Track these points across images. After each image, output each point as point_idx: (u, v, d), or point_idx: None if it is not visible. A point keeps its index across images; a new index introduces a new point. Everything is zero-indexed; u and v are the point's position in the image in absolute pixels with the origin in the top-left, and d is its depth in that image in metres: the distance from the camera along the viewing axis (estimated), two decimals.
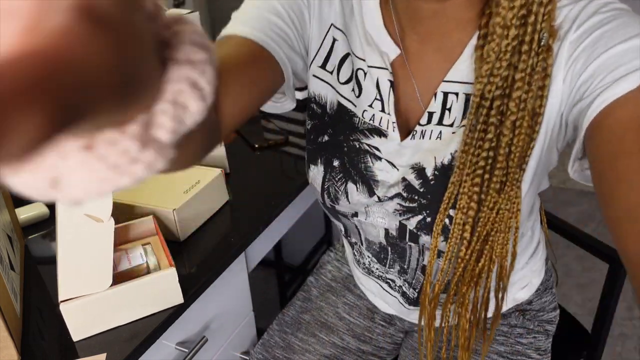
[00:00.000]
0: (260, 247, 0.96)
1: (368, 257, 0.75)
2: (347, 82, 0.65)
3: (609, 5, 0.49)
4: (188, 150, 0.34)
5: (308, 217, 1.16)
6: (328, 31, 0.64)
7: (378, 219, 0.67)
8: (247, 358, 0.88)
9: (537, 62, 0.51)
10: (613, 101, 0.43)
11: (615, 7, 0.49)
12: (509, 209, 0.57)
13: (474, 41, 0.56)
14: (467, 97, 0.58)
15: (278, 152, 1.09)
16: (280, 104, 0.66)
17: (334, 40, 0.64)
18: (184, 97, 0.20)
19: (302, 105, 1.22)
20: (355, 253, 0.78)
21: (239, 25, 0.57)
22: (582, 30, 0.49)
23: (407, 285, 0.74)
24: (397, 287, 0.75)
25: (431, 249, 0.63)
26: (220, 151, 0.97)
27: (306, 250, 1.81)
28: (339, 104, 0.66)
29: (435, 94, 0.59)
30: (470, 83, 0.57)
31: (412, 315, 0.78)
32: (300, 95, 1.25)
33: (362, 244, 0.75)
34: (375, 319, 0.85)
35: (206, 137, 0.38)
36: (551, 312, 0.82)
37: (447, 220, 0.60)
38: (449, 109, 0.59)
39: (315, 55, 0.66)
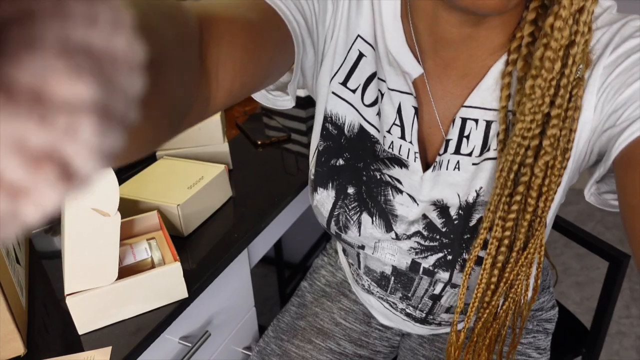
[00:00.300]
0: (262, 244, 0.97)
1: (367, 280, 0.72)
2: (373, 104, 0.60)
3: None
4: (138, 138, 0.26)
5: (308, 215, 1.17)
6: (354, 43, 0.58)
7: (387, 255, 0.64)
8: (249, 353, 0.89)
9: (572, 96, 0.48)
10: None
11: None
12: (535, 246, 0.54)
13: (499, 65, 0.53)
14: (488, 124, 0.55)
15: (280, 149, 1.09)
16: (273, 97, 0.57)
17: (361, 55, 0.58)
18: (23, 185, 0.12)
19: (302, 102, 1.23)
20: (353, 273, 0.76)
21: None
22: (617, 54, 0.47)
23: (411, 307, 0.71)
24: (399, 309, 0.73)
25: (459, 296, 0.59)
26: (223, 147, 0.97)
27: (306, 248, 1.82)
28: (361, 127, 0.61)
29: (453, 120, 0.56)
30: (492, 109, 0.54)
31: (417, 330, 0.76)
32: (302, 92, 1.26)
33: (360, 269, 0.72)
34: (372, 323, 0.84)
35: (166, 116, 0.28)
36: (550, 311, 0.83)
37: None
38: (467, 137, 0.56)
39: (338, 70, 0.60)
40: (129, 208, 0.80)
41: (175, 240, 0.80)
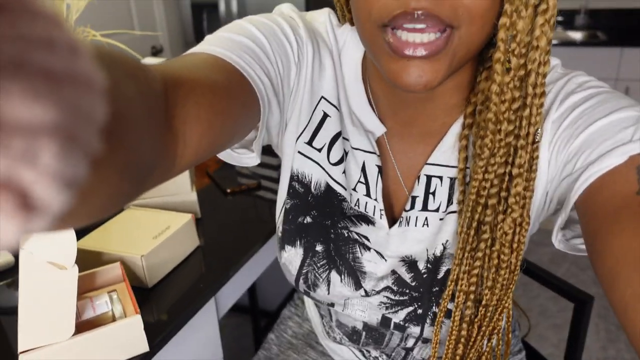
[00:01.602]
0: (232, 292, 0.95)
1: (339, 334, 0.71)
2: (339, 163, 0.61)
3: (587, 83, 0.50)
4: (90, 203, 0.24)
5: None
6: (318, 104, 0.59)
7: (357, 311, 0.63)
8: None
9: (533, 159, 0.49)
10: (600, 176, 0.43)
11: (592, 85, 0.49)
12: (506, 297, 0.55)
13: (457, 126, 0.55)
14: (452, 180, 0.56)
15: (251, 197, 1.10)
16: (238, 156, 0.56)
17: (325, 115, 0.60)
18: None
19: (271, 150, 1.24)
20: (325, 325, 0.75)
21: (210, 46, 0.46)
22: (563, 109, 0.49)
23: (385, 356, 0.70)
24: (372, 357, 0.72)
25: (432, 351, 0.59)
26: (191, 196, 0.97)
27: (282, 295, 1.79)
28: (328, 185, 0.62)
29: (418, 178, 0.57)
30: (455, 167, 0.56)
31: None
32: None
33: (332, 321, 0.71)
34: None
35: (125, 177, 0.27)
36: (516, 355, 0.82)
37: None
38: (433, 193, 0.57)
39: (304, 130, 0.60)
40: (91, 260, 0.79)
41: (139, 291, 0.79)
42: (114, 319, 0.69)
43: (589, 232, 0.43)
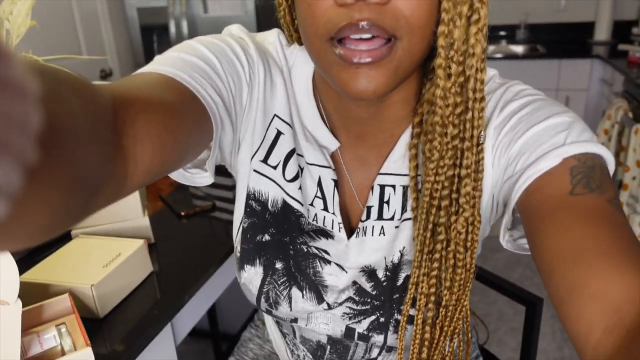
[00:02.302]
0: (189, 317, 0.94)
1: (303, 350, 0.71)
2: (294, 179, 0.61)
3: (523, 91, 0.53)
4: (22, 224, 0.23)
5: None
6: (271, 122, 0.60)
7: (321, 325, 0.64)
8: None
9: (479, 159, 0.52)
10: (537, 178, 0.46)
11: (528, 93, 0.53)
12: (464, 296, 0.56)
13: (406, 136, 0.57)
14: (405, 189, 0.58)
15: (206, 218, 1.08)
16: (191, 176, 0.55)
17: (279, 133, 0.60)
18: None
19: (225, 170, 1.24)
20: (289, 343, 0.74)
21: (160, 65, 0.46)
22: (503, 116, 0.52)
23: None
24: None
25: (397, 354, 0.60)
26: (143, 221, 0.95)
27: (244, 317, 1.77)
28: (285, 202, 0.62)
29: (372, 188, 0.59)
30: (406, 175, 0.58)
31: None
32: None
33: (295, 338, 0.71)
34: None
35: (57, 197, 0.26)
36: None
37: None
38: (387, 202, 0.59)
39: (258, 149, 0.61)
40: (37, 293, 0.76)
41: (90, 322, 0.76)
42: (63, 353, 0.67)
43: (529, 231, 0.46)
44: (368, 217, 0.60)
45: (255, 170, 0.62)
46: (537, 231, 0.44)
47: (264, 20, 2.65)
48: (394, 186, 0.59)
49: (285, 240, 0.63)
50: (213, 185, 1.22)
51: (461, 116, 0.50)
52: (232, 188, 1.20)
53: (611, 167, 0.47)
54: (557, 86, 3.01)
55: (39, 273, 0.80)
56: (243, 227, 0.65)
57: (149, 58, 2.89)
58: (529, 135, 0.49)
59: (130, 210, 0.94)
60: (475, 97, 0.49)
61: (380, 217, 0.59)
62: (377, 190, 0.59)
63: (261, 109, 0.59)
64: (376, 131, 0.58)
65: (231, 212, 1.11)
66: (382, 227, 0.60)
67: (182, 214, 1.07)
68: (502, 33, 3.48)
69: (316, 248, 0.62)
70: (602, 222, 0.41)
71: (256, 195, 0.63)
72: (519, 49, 3.31)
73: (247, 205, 0.64)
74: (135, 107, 0.37)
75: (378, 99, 0.48)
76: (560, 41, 3.32)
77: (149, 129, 0.38)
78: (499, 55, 3.06)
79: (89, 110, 0.29)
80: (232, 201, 1.16)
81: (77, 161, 0.26)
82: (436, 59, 0.48)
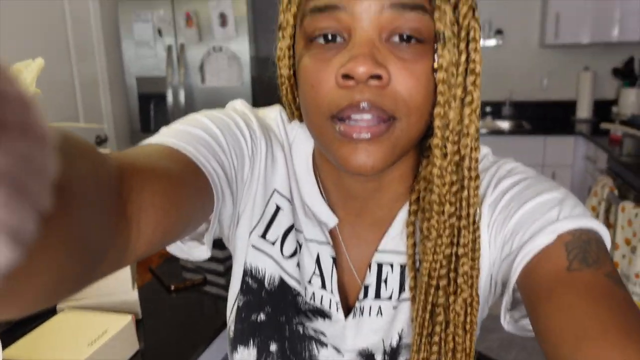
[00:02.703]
0: None
1: None
2: (292, 256, 0.61)
3: (514, 169, 0.55)
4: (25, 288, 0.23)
5: None
6: (271, 197, 0.60)
7: None
8: None
9: (476, 238, 0.52)
10: (534, 255, 0.46)
11: (520, 171, 0.54)
12: None
13: (403, 213, 0.57)
14: (402, 267, 0.58)
15: (196, 293, 1.06)
16: (188, 249, 0.54)
17: (278, 208, 0.61)
18: None
19: (220, 243, 1.23)
20: None
21: (166, 137, 0.47)
22: (496, 193, 0.53)
23: None
24: None
25: None
26: (132, 295, 0.93)
27: None
28: (282, 280, 0.61)
29: (369, 265, 0.58)
30: (404, 252, 0.57)
31: None
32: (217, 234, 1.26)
33: None
34: None
35: (62, 261, 0.26)
36: None
37: None
38: (385, 281, 0.58)
39: (257, 223, 0.61)
40: None
41: None
42: None
43: (530, 310, 0.45)
44: (366, 295, 0.59)
45: (253, 246, 0.61)
46: (538, 311, 0.43)
47: (260, 92, 2.73)
48: (391, 264, 0.58)
49: (281, 321, 0.61)
50: None
51: (457, 194, 0.51)
52: (224, 261, 1.19)
53: (607, 241, 0.47)
54: (543, 162, 3.09)
55: (22, 350, 0.76)
56: (238, 305, 0.63)
57: (144, 125, 2.94)
58: (521, 213, 0.49)
59: (119, 283, 0.92)
60: (470, 175, 0.50)
61: (377, 296, 0.58)
62: (374, 268, 0.58)
63: (262, 183, 0.59)
64: (374, 208, 0.58)
65: (222, 287, 1.09)
66: (380, 307, 0.59)
67: (172, 287, 1.05)
68: (488, 109, 3.61)
69: (313, 329, 0.60)
70: (602, 299, 0.40)
71: (253, 272, 0.62)
72: (504, 124, 3.43)
73: (243, 282, 0.63)
74: (140, 176, 0.38)
75: (376, 174, 0.49)
76: (544, 118, 3.45)
77: (153, 198, 0.38)
78: (485, 131, 3.16)
79: (96, 175, 0.29)
80: (223, 275, 1.14)
81: (83, 222, 0.26)
82: (433, 138, 0.49)
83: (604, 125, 2.92)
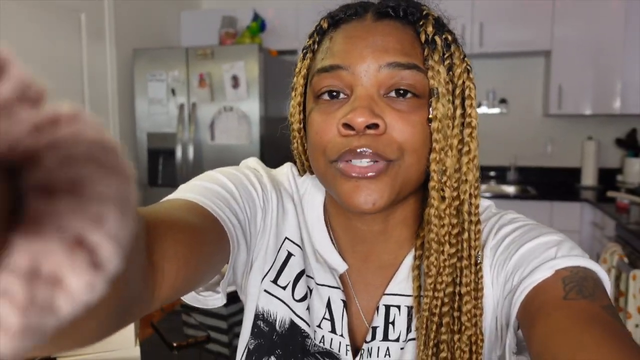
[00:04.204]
0: None
1: None
2: (302, 299, 0.63)
3: (516, 218, 0.58)
4: (84, 327, 0.26)
5: None
6: (282, 244, 0.63)
7: None
8: None
9: (478, 279, 0.54)
10: (533, 288, 0.48)
11: (521, 219, 0.58)
12: None
13: (409, 259, 0.60)
14: (409, 309, 0.59)
15: (199, 351, 1.02)
16: (204, 299, 0.57)
17: (289, 254, 0.63)
18: (59, 269, 0.14)
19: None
20: None
21: (185, 192, 0.52)
22: (498, 238, 0.56)
23: None
24: None
25: None
26: (134, 352, 0.90)
27: None
28: (292, 322, 0.63)
29: (377, 308, 0.60)
30: (410, 295, 0.59)
31: None
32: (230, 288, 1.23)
33: None
34: None
35: (121, 297, 0.29)
36: None
37: None
38: (392, 323, 0.59)
39: (269, 270, 0.63)
40: None
41: None
42: None
43: (526, 334, 0.46)
44: (373, 337, 0.60)
45: (265, 291, 0.64)
46: (534, 332, 0.45)
47: (268, 150, 2.77)
48: (399, 307, 0.60)
49: None
50: (208, 314, 1.17)
51: (458, 236, 0.54)
52: (227, 317, 1.16)
53: (606, 283, 0.49)
54: (550, 227, 3.06)
55: None
56: (249, 348, 0.64)
57: (152, 179, 2.97)
58: (521, 252, 0.52)
59: (122, 338, 0.89)
60: (470, 219, 0.54)
61: (385, 338, 0.59)
62: (382, 310, 0.60)
63: (274, 232, 0.63)
64: (381, 252, 0.61)
65: (226, 345, 1.05)
66: (388, 348, 0.59)
67: (174, 344, 1.02)
68: (493, 174, 3.64)
69: None
70: (597, 325, 0.42)
71: (265, 315, 0.64)
72: (510, 189, 3.44)
73: (254, 325, 0.64)
74: (163, 227, 0.41)
75: (379, 211, 0.51)
76: (549, 184, 3.46)
77: (176, 247, 0.41)
78: (488, 194, 3.16)
79: (135, 237, 0.32)
80: (226, 332, 1.10)
81: (123, 286, 0.28)
82: (430, 181, 0.53)
83: (611, 194, 2.93)
